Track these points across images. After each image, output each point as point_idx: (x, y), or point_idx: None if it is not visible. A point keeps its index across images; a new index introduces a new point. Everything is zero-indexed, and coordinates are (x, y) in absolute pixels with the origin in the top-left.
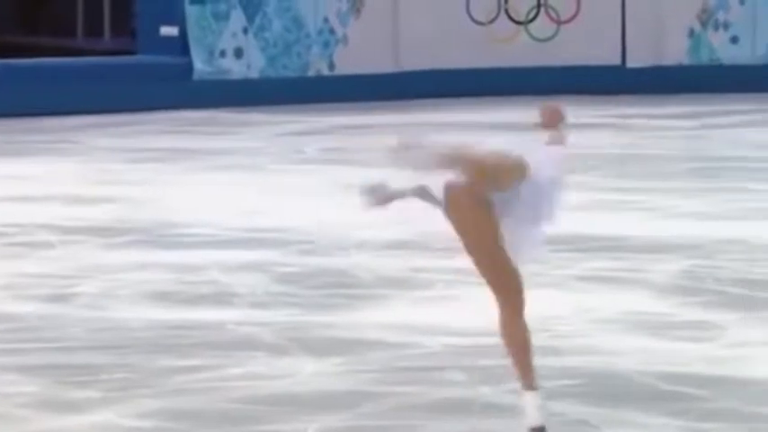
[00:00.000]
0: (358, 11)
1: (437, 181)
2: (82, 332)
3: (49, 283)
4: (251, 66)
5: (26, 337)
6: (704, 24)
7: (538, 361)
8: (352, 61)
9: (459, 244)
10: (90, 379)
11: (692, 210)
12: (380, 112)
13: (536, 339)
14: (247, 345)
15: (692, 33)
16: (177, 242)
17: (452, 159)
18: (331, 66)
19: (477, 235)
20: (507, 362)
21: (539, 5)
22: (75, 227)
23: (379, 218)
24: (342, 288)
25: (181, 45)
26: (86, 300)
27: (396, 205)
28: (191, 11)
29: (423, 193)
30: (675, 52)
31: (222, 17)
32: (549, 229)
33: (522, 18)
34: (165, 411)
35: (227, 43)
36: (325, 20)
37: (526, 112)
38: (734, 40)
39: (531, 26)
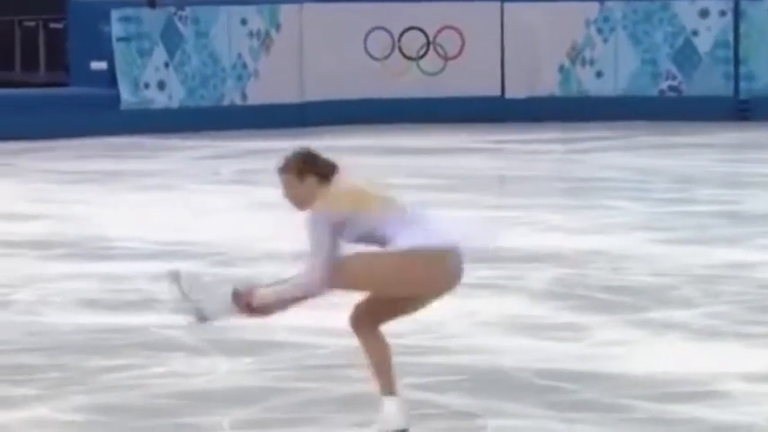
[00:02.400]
0: (268, 48)
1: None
2: (18, 335)
3: None
4: (172, 96)
5: None
6: (573, 60)
7: (427, 359)
8: (262, 92)
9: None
10: (26, 378)
11: (562, 224)
12: (288, 138)
13: (424, 340)
14: (169, 346)
15: (562, 68)
16: (106, 254)
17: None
18: (243, 96)
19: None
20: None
21: (428, 43)
22: (13, 241)
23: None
24: None
25: (109, 78)
26: (22, 306)
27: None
28: (118, 47)
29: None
30: (548, 85)
31: (146, 53)
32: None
33: (413, 54)
34: (96, 406)
35: (151, 76)
36: (239, 55)
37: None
38: (599, 74)
39: (422, 62)
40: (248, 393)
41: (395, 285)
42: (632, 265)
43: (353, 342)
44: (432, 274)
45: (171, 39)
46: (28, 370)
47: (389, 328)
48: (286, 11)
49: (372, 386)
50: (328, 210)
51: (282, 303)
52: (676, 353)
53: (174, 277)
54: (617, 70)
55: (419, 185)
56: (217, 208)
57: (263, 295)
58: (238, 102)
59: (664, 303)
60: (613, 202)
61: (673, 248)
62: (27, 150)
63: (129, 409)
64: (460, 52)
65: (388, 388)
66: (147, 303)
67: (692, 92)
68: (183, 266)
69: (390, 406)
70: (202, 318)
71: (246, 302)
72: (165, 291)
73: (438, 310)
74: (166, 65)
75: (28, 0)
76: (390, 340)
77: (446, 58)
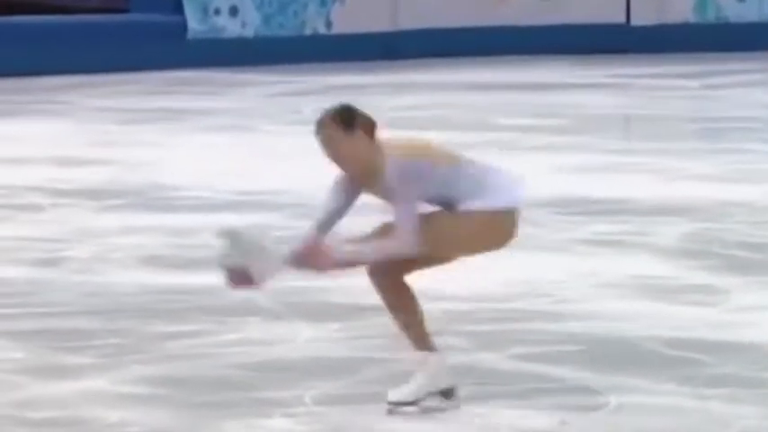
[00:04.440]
0: None
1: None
2: (73, 297)
3: (38, 247)
4: (246, 24)
5: (15, 302)
6: None
7: (540, 326)
8: (349, 20)
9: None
10: (81, 345)
11: (697, 172)
12: (378, 72)
13: (537, 304)
14: (242, 310)
15: None
16: (170, 205)
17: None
18: (328, 24)
19: None
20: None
21: None
22: (66, 189)
23: None
24: None
25: (174, 3)
26: (77, 264)
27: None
28: None
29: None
30: (681, 10)
31: None
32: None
33: None
34: (159, 378)
35: (222, 1)
36: None
37: (524, 72)
38: None
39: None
40: (334, 364)
41: (470, 246)
42: None
43: (452, 306)
44: (502, 233)
45: None
46: (83, 336)
47: (490, 291)
48: None
49: (473, 357)
50: (413, 160)
51: (357, 264)
52: None
53: (230, 236)
54: None
55: (528, 126)
56: (297, 152)
57: (341, 253)
58: (322, 30)
59: None
60: (756, 145)
61: None
62: (81, 86)
63: (198, 382)
64: None
65: (429, 343)
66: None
67: None
68: (247, 222)
69: (435, 363)
70: (243, 280)
71: (317, 258)
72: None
73: (552, 272)
74: None
75: None
76: (496, 304)
77: None
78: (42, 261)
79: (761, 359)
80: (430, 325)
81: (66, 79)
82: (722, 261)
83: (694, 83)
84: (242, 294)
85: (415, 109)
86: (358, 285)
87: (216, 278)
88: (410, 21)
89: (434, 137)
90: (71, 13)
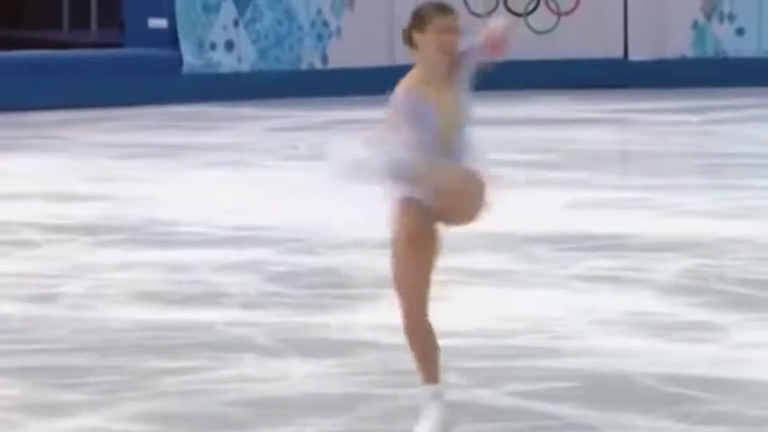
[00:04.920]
0: (352, 2)
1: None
2: (67, 333)
3: (33, 283)
4: (242, 59)
5: (10, 339)
6: (709, 16)
7: (538, 362)
8: (345, 54)
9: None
10: (76, 381)
11: (696, 207)
12: (375, 107)
13: (535, 341)
14: (238, 346)
15: (695, 25)
16: (166, 241)
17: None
18: (324, 59)
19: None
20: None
21: None
22: (62, 225)
23: (372, 216)
24: (335, 288)
25: (170, 37)
26: (72, 300)
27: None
28: (180, 2)
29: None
30: (679, 45)
31: (212, 9)
32: None
33: (521, 10)
34: (154, 415)
35: (218, 35)
36: (319, 12)
37: (523, 106)
38: (739, 32)
39: (531, 18)
40: (331, 401)
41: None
42: None
43: (450, 342)
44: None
45: None
46: (78, 372)
47: (488, 327)
48: None
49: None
50: None
51: None
52: None
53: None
54: (761, 27)
55: (527, 162)
56: (294, 187)
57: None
58: (318, 65)
59: None
60: (756, 181)
61: None
62: (77, 121)
63: (193, 419)
64: (576, 6)
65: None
66: (212, 297)
67: None
68: (255, 254)
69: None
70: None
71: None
72: (233, 283)
73: (550, 308)
74: (236, 22)
75: None
76: (494, 341)
77: (559, 14)
78: (37, 297)
79: (760, 397)
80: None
81: (62, 114)
82: (721, 298)
83: (693, 118)
84: (237, 331)
85: None
86: (354, 321)
87: (211, 314)
88: (407, 56)
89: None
90: (68, 47)
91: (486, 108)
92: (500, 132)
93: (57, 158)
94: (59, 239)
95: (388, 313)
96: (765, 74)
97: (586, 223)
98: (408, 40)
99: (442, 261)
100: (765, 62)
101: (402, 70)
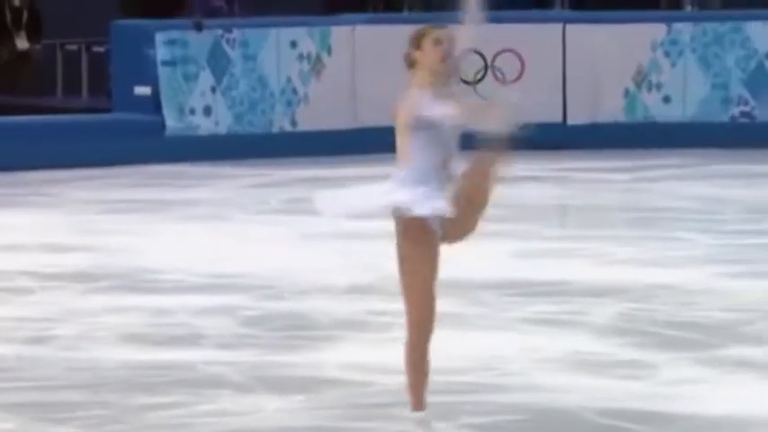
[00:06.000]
0: (318, 72)
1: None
2: (60, 372)
3: (28, 326)
4: (219, 122)
5: (5, 377)
6: (639, 85)
7: (486, 397)
8: (313, 118)
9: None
10: (67, 416)
11: (628, 257)
12: (341, 166)
13: (485, 377)
14: (215, 383)
15: (627, 93)
16: (151, 287)
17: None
18: (293, 122)
19: (420, 262)
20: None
21: (486, 67)
22: (54, 273)
23: (338, 264)
24: (303, 330)
25: (153, 103)
26: (64, 342)
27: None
28: (163, 72)
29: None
30: (612, 110)
31: (192, 77)
32: None
33: (470, 78)
34: None
35: (197, 102)
36: (288, 80)
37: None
38: (666, 99)
39: (479, 86)
40: None
41: None
42: (702, 300)
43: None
44: None
45: (218, 62)
46: (69, 407)
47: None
48: (337, 33)
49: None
50: None
51: None
52: (750, 392)
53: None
54: (685, 95)
55: None
56: (265, 239)
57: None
58: (288, 128)
59: (737, 340)
60: (683, 233)
61: (746, 282)
62: (69, 179)
63: None
64: (520, 76)
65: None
66: (192, 338)
67: (766, 118)
68: (231, 300)
69: None
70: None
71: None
72: (210, 325)
73: (497, 348)
74: (213, 90)
75: (70, 22)
76: (448, 377)
77: (504, 82)
78: (32, 339)
79: (691, 429)
80: (387, 397)
81: (55, 173)
82: (651, 338)
83: (625, 176)
84: (214, 369)
85: None
86: (320, 360)
87: (191, 354)
88: (369, 118)
89: (389, 224)
90: (61, 113)
91: None
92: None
93: (50, 213)
94: (52, 286)
95: (351, 353)
96: (689, 137)
97: (530, 271)
98: (410, 61)
99: (401, 306)
100: (689, 126)
101: (364, 132)
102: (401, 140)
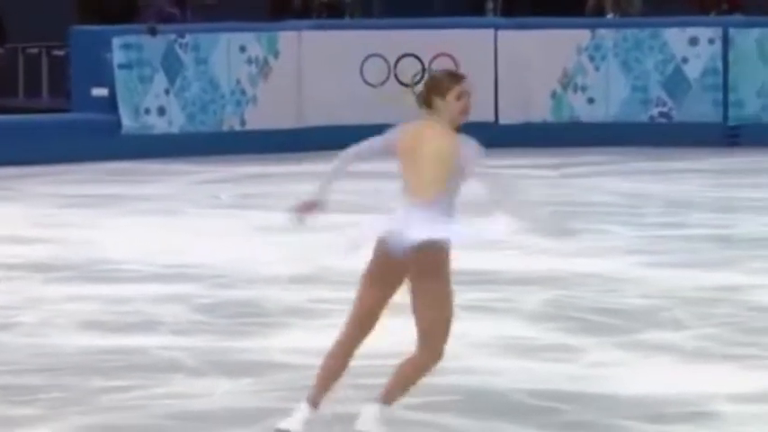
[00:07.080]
0: (266, 74)
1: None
2: (21, 356)
3: None
4: (172, 122)
5: None
6: (565, 87)
7: (424, 379)
8: (261, 118)
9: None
10: (28, 398)
11: (554, 248)
12: (286, 163)
13: None
14: (170, 367)
15: (554, 95)
16: (108, 277)
17: None
18: (242, 122)
19: (451, 297)
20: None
21: (423, 69)
22: (16, 264)
23: (283, 255)
24: (252, 317)
25: (110, 104)
26: (26, 328)
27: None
28: (119, 74)
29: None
30: (541, 111)
31: (147, 79)
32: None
33: (408, 81)
34: (96, 426)
35: (152, 102)
36: (238, 82)
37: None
38: (590, 100)
39: (417, 88)
40: (247, 414)
41: None
42: (624, 288)
43: (353, 362)
44: None
45: (171, 66)
46: (30, 390)
47: (381, 350)
48: (284, 38)
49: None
50: None
51: None
52: (667, 374)
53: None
54: (608, 97)
55: None
56: (217, 232)
57: None
58: (237, 127)
59: (655, 325)
60: (605, 226)
61: (664, 272)
62: (29, 175)
63: (129, 430)
64: None
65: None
66: (147, 325)
67: (682, 118)
68: (184, 288)
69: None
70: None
71: None
72: (165, 313)
73: None
74: (167, 91)
75: (31, 28)
76: (387, 360)
77: None
78: None
79: (611, 408)
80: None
81: (16, 170)
82: (577, 324)
83: (552, 172)
84: (168, 354)
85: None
86: (268, 345)
87: (147, 340)
88: (314, 118)
89: (339, 219)
90: (22, 113)
91: (376, 164)
92: (388, 185)
93: (12, 207)
94: (15, 276)
95: (296, 338)
96: (611, 135)
97: (462, 261)
98: (427, 102)
99: (342, 294)
100: (611, 126)
101: (309, 131)
102: (439, 174)
